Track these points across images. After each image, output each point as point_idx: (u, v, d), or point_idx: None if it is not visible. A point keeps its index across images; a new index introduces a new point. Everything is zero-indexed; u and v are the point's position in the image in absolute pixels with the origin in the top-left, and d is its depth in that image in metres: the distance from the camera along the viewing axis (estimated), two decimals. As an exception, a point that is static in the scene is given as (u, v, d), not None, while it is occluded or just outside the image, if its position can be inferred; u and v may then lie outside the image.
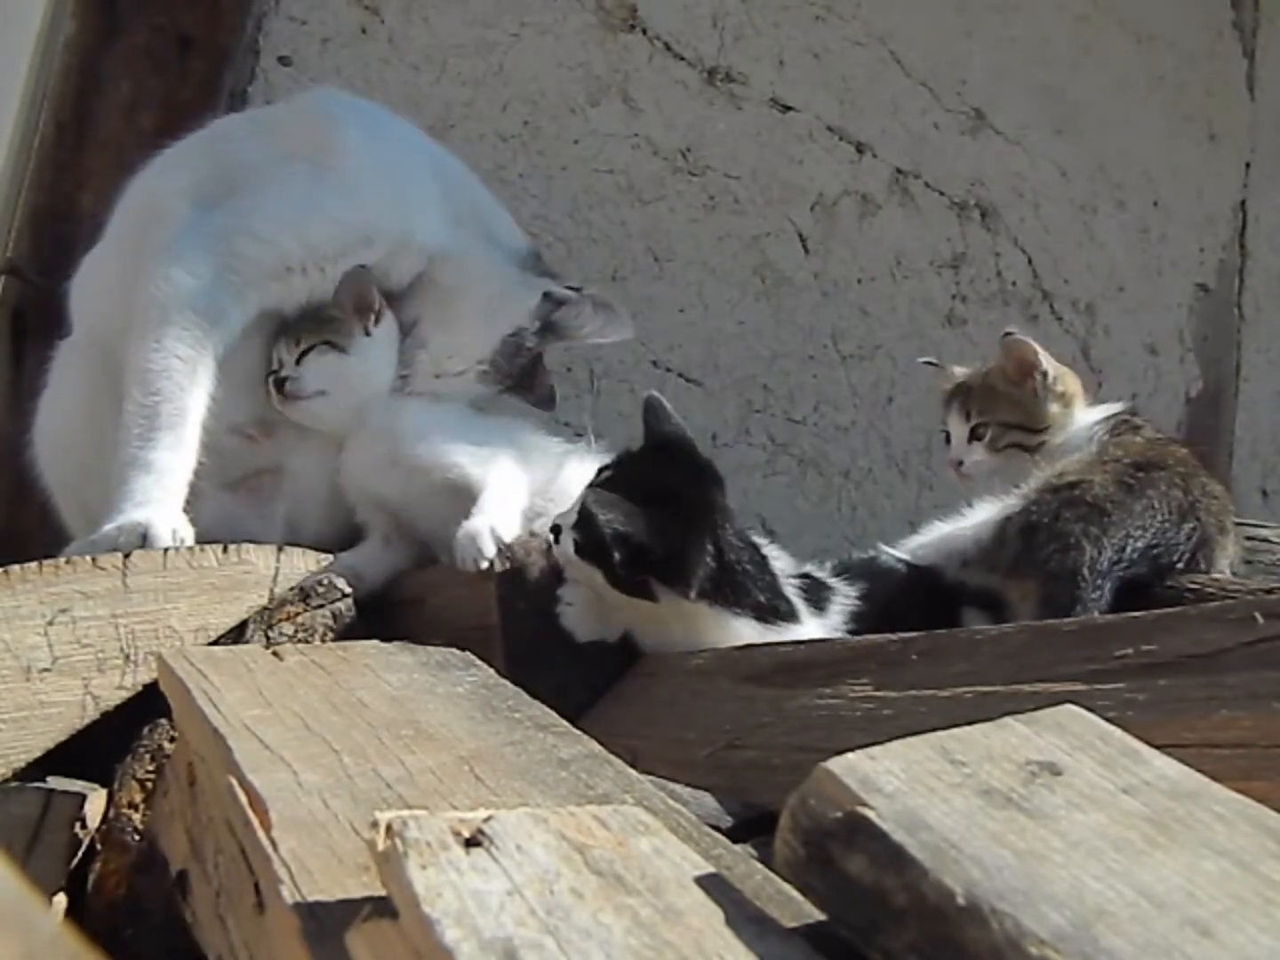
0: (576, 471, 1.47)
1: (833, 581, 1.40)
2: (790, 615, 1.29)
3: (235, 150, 1.57)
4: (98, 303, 1.56)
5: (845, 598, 1.37)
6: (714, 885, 0.59)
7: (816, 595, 1.35)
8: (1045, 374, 1.62)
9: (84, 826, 1.08)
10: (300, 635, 1.27)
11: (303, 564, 1.32)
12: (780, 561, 1.38)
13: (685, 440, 1.34)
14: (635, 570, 1.23)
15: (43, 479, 1.60)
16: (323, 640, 1.28)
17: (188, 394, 1.41)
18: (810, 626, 1.31)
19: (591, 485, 1.31)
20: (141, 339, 1.42)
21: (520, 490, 1.44)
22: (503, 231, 1.68)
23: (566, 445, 1.59)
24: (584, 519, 1.24)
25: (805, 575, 1.38)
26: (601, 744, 0.89)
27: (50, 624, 1.17)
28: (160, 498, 1.37)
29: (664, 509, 1.24)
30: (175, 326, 1.42)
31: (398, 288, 1.59)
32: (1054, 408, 1.61)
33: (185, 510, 1.39)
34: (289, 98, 1.87)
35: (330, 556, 1.38)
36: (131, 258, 1.51)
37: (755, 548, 1.31)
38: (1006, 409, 1.63)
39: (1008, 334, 1.67)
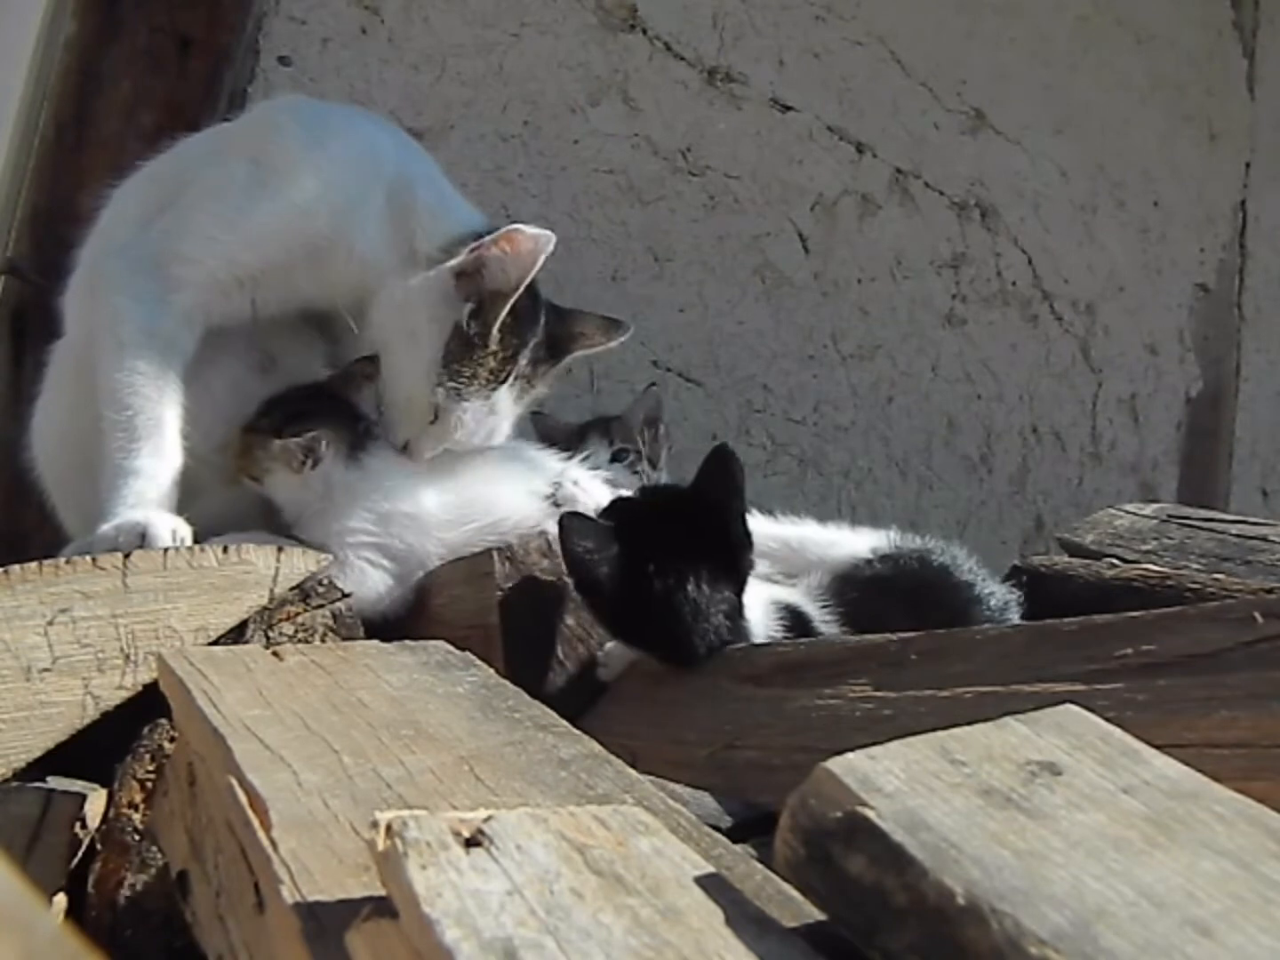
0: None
1: (816, 613, 1.37)
2: None
3: (184, 167, 1.56)
4: (82, 308, 1.57)
5: (828, 625, 1.36)
6: (714, 885, 0.59)
7: (798, 632, 1.34)
8: None
9: (84, 826, 1.08)
10: (300, 635, 1.27)
11: (303, 564, 1.32)
12: (775, 589, 1.38)
13: (725, 507, 1.29)
14: (585, 597, 1.30)
15: (40, 480, 1.60)
16: (323, 640, 1.28)
17: (159, 405, 1.41)
18: None
19: (606, 508, 1.35)
20: (103, 366, 1.43)
21: None
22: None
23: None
24: (559, 531, 1.26)
25: (789, 608, 1.36)
26: (601, 744, 0.89)
27: (50, 624, 1.17)
28: (154, 499, 1.38)
29: (643, 555, 1.25)
30: (131, 353, 1.42)
31: (345, 306, 1.53)
32: None
33: (182, 512, 1.40)
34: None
35: (330, 556, 1.38)
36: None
37: (733, 616, 1.27)
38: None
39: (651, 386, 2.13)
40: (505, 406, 1.53)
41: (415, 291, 1.49)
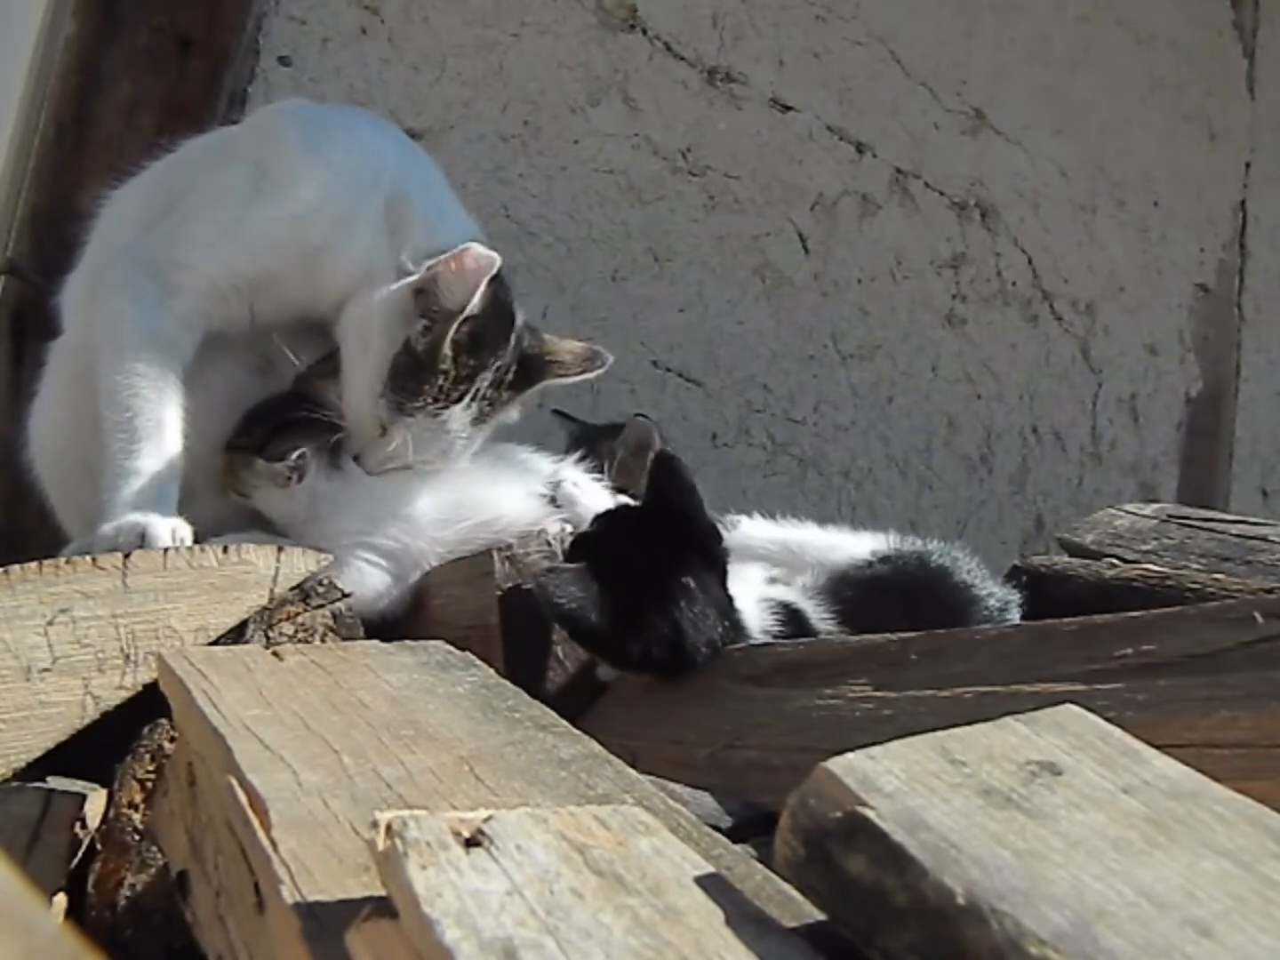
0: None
1: (812, 610, 1.38)
2: None
3: (187, 171, 1.56)
4: (83, 308, 1.57)
5: (825, 622, 1.37)
6: (714, 885, 0.59)
7: (794, 628, 1.34)
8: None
9: (84, 826, 1.08)
10: (300, 635, 1.27)
11: (303, 564, 1.32)
12: (771, 588, 1.39)
13: (686, 507, 1.30)
14: (583, 644, 1.28)
15: (39, 480, 1.60)
16: (323, 640, 1.28)
17: (159, 406, 1.41)
18: None
19: (572, 548, 1.34)
20: (104, 367, 1.43)
21: None
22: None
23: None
24: (538, 594, 1.23)
25: (786, 606, 1.37)
26: (601, 744, 0.89)
27: (50, 624, 1.17)
28: (154, 499, 1.38)
29: (627, 584, 1.23)
30: (131, 355, 1.42)
31: (336, 316, 1.52)
32: None
33: (182, 513, 1.40)
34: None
35: (330, 556, 1.38)
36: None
37: (728, 613, 1.28)
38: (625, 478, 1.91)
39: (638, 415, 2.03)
40: (459, 427, 1.49)
41: (376, 304, 1.48)
